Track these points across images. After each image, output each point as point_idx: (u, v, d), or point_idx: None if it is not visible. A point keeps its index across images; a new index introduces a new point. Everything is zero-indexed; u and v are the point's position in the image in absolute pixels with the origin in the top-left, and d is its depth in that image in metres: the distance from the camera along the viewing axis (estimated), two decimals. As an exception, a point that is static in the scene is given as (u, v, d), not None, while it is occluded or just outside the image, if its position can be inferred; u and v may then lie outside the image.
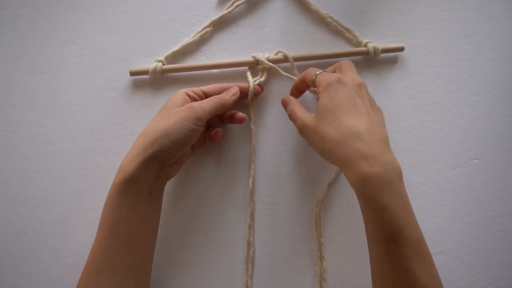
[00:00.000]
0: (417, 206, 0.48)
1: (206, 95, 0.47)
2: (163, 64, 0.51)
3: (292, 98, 0.47)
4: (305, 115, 0.43)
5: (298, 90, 0.49)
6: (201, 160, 0.51)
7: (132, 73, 0.52)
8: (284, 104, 0.48)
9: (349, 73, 0.43)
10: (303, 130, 0.42)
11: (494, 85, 0.51)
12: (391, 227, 0.35)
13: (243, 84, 0.49)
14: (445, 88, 0.51)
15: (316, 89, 0.43)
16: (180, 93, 0.45)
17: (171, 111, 0.43)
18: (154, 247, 0.44)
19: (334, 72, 0.45)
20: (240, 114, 0.48)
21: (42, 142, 0.51)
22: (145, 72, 0.51)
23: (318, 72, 0.43)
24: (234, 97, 0.47)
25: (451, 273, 0.47)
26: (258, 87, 0.50)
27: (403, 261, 0.35)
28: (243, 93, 0.49)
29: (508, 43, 0.51)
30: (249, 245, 0.48)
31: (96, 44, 0.53)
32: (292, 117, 0.45)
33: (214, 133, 0.48)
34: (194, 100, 0.46)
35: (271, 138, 0.51)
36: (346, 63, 0.44)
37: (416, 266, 0.35)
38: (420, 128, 0.50)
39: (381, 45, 0.51)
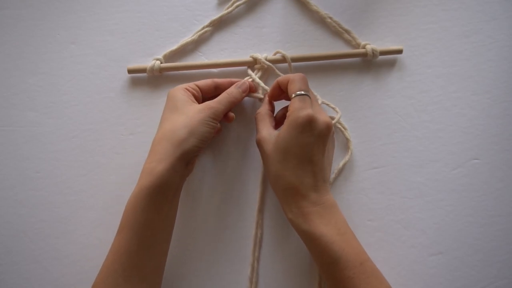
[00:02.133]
0: (417, 206, 0.49)
1: (201, 90, 0.47)
2: (161, 63, 0.51)
3: (266, 102, 0.47)
4: (264, 132, 0.44)
5: (278, 92, 0.47)
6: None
7: (130, 71, 0.52)
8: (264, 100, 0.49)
9: (317, 105, 0.44)
10: (258, 144, 0.45)
11: (493, 85, 0.51)
12: (328, 254, 0.39)
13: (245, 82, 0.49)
14: (445, 88, 0.51)
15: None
16: (181, 90, 0.45)
17: (185, 110, 0.43)
18: (168, 248, 0.44)
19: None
20: (230, 113, 0.47)
21: (42, 142, 0.51)
22: (143, 70, 0.51)
23: (298, 93, 0.42)
24: (244, 94, 0.47)
25: (451, 273, 0.47)
26: (252, 83, 0.50)
27: (348, 282, 0.38)
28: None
29: (508, 43, 0.51)
30: (257, 225, 0.49)
31: (96, 44, 0.53)
32: (255, 120, 0.46)
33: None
34: (193, 95, 0.46)
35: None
36: (311, 93, 0.44)
37: (361, 285, 0.38)
38: (420, 128, 0.50)
39: (381, 45, 0.52)
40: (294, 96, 0.42)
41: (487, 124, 0.50)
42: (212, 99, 0.46)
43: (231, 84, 0.48)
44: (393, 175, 0.50)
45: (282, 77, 0.46)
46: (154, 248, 0.41)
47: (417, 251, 0.48)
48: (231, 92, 0.46)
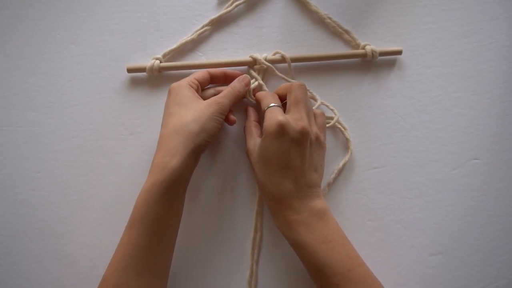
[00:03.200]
0: (417, 206, 0.49)
1: (199, 83, 0.47)
2: (160, 62, 0.51)
3: (251, 114, 0.48)
4: (251, 143, 0.46)
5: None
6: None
7: (130, 70, 0.52)
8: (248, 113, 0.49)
9: (298, 108, 0.43)
10: (247, 155, 0.46)
11: (493, 85, 0.51)
12: (313, 262, 0.40)
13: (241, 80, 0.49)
14: (445, 88, 0.51)
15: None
16: (187, 86, 0.45)
17: (193, 105, 0.44)
18: (175, 243, 0.44)
19: (285, 94, 0.46)
20: (232, 116, 0.48)
21: (42, 142, 0.51)
22: (142, 69, 0.51)
23: (270, 105, 0.44)
24: (247, 88, 0.49)
25: (451, 273, 0.47)
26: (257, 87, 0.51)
27: None
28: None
29: (507, 43, 0.52)
30: (256, 229, 0.49)
31: (96, 44, 0.53)
32: (245, 133, 0.48)
33: None
34: (196, 91, 0.46)
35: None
36: (298, 88, 0.45)
37: None
38: (420, 128, 0.50)
39: (381, 45, 0.52)
40: (266, 109, 0.44)
41: (487, 124, 0.50)
42: (209, 90, 0.49)
43: (225, 73, 0.49)
44: (393, 175, 0.50)
45: (258, 94, 0.48)
46: (164, 242, 0.41)
47: (417, 251, 0.48)
48: (234, 86, 0.47)
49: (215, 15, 0.53)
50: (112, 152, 0.51)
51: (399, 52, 0.51)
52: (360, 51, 0.51)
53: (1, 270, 0.49)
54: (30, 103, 0.52)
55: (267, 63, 0.50)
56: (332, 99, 0.51)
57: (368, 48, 0.50)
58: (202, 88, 0.48)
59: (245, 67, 0.52)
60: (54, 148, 0.51)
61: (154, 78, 0.52)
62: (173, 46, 0.52)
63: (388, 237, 0.48)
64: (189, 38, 0.52)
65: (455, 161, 0.50)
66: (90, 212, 0.50)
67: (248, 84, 0.49)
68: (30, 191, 0.50)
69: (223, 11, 0.53)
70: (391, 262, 0.48)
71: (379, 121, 0.51)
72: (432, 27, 0.52)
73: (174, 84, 0.46)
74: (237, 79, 0.48)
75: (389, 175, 0.50)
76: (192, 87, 0.46)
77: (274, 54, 0.51)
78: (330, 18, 0.52)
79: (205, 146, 0.43)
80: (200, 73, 0.48)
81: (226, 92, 0.46)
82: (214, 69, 0.49)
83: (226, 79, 0.49)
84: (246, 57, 0.51)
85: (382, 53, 0.51)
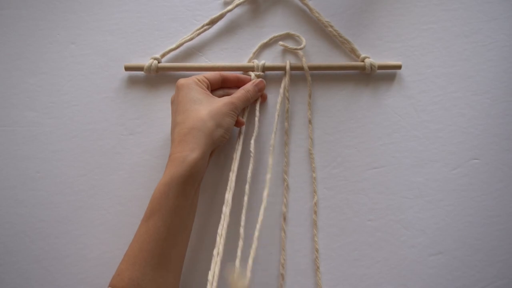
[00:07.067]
0: (417, 206, 0.49)
1: (210, 82, 0.47)
2: (159, 62, 0.51)
3: None
4: None
5: None
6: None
7: (127, 68, 0.51)
8: None
9: None
10: None
11: (493, 85, 0.51)
12: None
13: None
14: (445, 88, 0.51)
15: None
16: (197, 82, 0.46)
17: (208, 102, 0.44)
18: (189, 237, 0.44)
19: None
20: (240, 118, 0.48)
21: (42, 142, 0.51)
22: (140, 68, 0.51)
23: None
24: (260, 93, 0.49)
25: (451, 273, 0.47)
26: (265, 94, 0.51)
27: None
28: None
29: (507, 43, 0.52)
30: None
31: (96, 44, 0.53)
32: None
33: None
34: (206, 87, 0.47)
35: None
36: None
37: None
38: (420, 128, 0.50)
39: (381, 45, 0.52)
40: None
41: (487, 124, 0.50)
42: (218, 91, 0.49)
43: (238, 78, 0.49)
44: (393, 175, 0.50)
45: None
46: (180, 235, 0.42)
47: (417, 251, 0.48)
48: (248, 90, 0.48)
49: (215, 14, 0.53)
50: (112, 152, 0.51)
51: (398, 67, 0.51)
52: (359, 63, 0.51)
53: (1, 270, 0.49)
54: (30, 103, 0.52)
55: (262, 73, 0.50)
56: (332, 98, 0.51)
57: (367, 61, 0.50)
58: (212, 89, 0.48)
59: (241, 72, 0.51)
60: (54, 148, 0.51)
61: (153, 78, 0.52)
62: (172, 46, 0.52)
63: (388, 237, 0.48)
64: (188, 37, 0.52)
65: (455, 161, 0.50)
66: (90, 212, 0.50)
67: (262, 89, 0.49)
68: (30, 191, 0.50)
69: (224, 10, 0.53)
70: (391, 262, 0.48)
71: (379, 121, 0.51)
72: (432, 27, 0.52)
73: (183, 81, 0.46)
74: (251, 82, 0.49)
75: (389, 175, 0.50)
76: (202, 84, 0.46)
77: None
78: (331, 26, 0.51)
79: (221, 142, 0.45)
80: (212, 74, 0.48)
81: (240, 95, 0.47)
82: (227, 73, 0.49)
83: (238, 84, 0.50)
84: (246, 57, 0.51)
85: (381, 67, 0.50)
